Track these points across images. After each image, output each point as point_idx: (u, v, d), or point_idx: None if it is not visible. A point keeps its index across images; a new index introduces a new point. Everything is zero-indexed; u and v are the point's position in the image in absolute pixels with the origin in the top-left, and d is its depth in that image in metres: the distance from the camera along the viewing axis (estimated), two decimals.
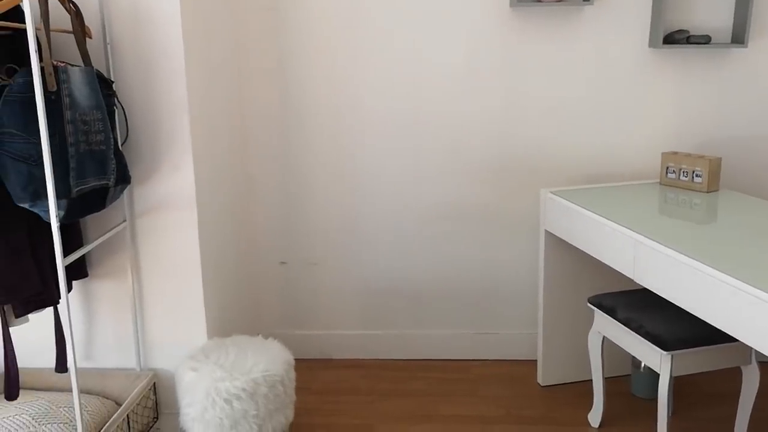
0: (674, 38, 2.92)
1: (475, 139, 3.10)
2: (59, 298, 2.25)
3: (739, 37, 2.92)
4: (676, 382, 3.01)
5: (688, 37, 2.91)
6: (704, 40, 2.90)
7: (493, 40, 3.01)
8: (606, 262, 2.48)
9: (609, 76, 3.03)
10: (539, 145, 3.10)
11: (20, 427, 2.29)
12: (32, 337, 2.57)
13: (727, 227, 2.35)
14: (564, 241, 2.87)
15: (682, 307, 2.09)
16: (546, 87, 3.05)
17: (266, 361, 2.37)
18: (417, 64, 3.05)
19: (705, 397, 2.92)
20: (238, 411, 2.27)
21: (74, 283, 2.52)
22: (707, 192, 2.80)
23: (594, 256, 2.58)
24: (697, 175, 2.82)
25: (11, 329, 2.51)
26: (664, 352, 2.26)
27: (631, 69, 3.02)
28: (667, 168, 2.92)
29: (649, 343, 2.31)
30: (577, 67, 3.02)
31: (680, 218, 2.48)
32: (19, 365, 2.59)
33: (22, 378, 2.59)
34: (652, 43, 2.96)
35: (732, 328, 1.89)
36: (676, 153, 2.91)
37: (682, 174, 2.87)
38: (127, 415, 2.40)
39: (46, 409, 2.39)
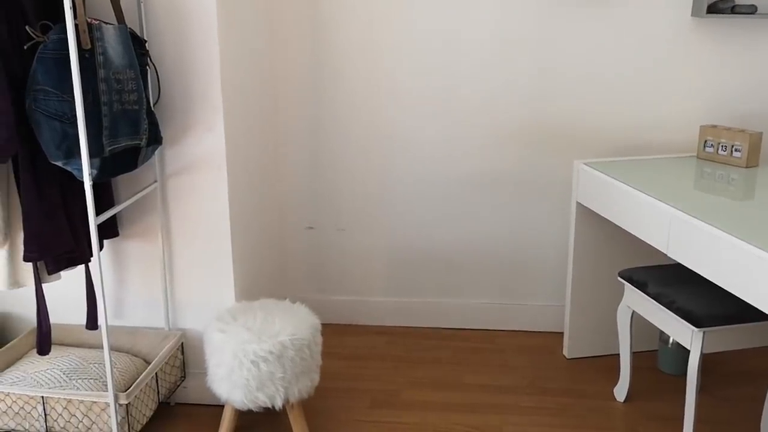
0: (718, 7, 2.82)
1: (508, 108, 3.05)
2: (91, 256, 2.27)
3: None
4: (704, 359, 2.98)
5: (733, 7, 2.82)
6: (750, 10, 2.81)
7: (528, 7, 2.94)
8: (639, 236, 2.44)
9: (649, 45, 2.95)
10: (574, 115, 3.04)
11: (52, 381, 2.34)
12: (65, 293, 2.61)
13: (766, 204, 2.29)
14: (595, 213, 2.82)
15: (717, 283, 2.04)
16: (582, 56, 2.98)
17: (293, 324, 2.38)
18: (451, 34, 2.99)
19: (734, 375, 2.89)
20: (265, 373, 2.29)
21: (105, 242, 2.54)
22: (746, 167, 2.73)
23: (626, 230, 2.53)
24: (736, 150, 2.75)
25: (44, 286, 2.56)
26: (696, 329, 2.23)
27: (672, 38, 2.93)
28: (706, 141, 2.85)
29: (681, 319, 2.28)
30: (615, 35, 2.95)
31: (716, 193, 2.43)
32: (51, 321, 2.65)
33: (54, 333, 2.64)
34: (695, 12, 2.87)
35: None
36: (715, 126, 2.83)
37: (720, 148, 2.80)
38: (156, 374, 2.44)
39: (77, 364, 2.44)
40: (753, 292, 1.90)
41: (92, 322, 2.42)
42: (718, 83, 2.97)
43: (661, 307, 2.38)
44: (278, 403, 2.33)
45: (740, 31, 2.91)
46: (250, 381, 2.29)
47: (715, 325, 2.22)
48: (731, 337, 2.27)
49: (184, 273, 2.58)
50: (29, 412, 2.29)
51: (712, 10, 2.84)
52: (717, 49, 2.93)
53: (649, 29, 2.93)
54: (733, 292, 1.99)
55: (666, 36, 2.93)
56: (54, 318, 2.65)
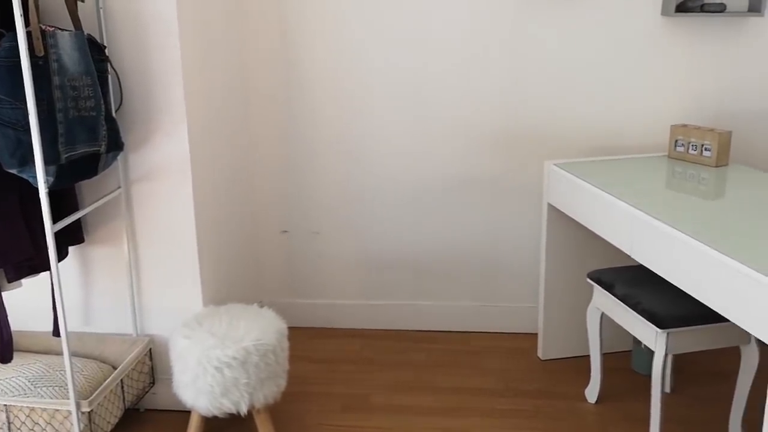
0: (688, 6, 2.82)
1: (480, 109, 3.04)
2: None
3: (755, 6, 2.81)
4: (677, 360, 2.97)
5: (703, 5, 2.81)
6: (719, 9, 2.80)
7: (498, 8, 2.93)
8: (604, 237, 2.43)
9: (619, 44, 2.94)
10: (546, 115, 3.03)
11: (16, 389, 2.33)
12: (32, 301, 2.60)
13: (732, 203, 2.28)
14: (566, 214, 2.81)
15: (678, 285, 2.04)
16: (553, 56, 2.97)
17: (258, 329, 2.37)
18: (422, 33, 2.99)
19: (706, 376, 2.88)
20: (229, 379, 2.28)
21: (71, 248, 2.53)
22: (716, 167, 2.72)
23: (592, 230, 2.53)
24: (706, 149, 2.74)
25: (4, 294, 2.55)
26: (659, 330, 2.22)
27: (642, 37, 2.92)
28: (676, 141, 2.84)
29: (645, 320, 2.27)
30: (585, 35, 2.94)
31: (685, 193, 2.42)
32: (20, 329, 2.64)
33: (23, 341, 2.64)
34: (664, 11, 2.86)
35: (726, 310, 1.84)
36: (685, 126, 2.82)
37: (690, 147, 2.79)
38: (122, 380, 2.43)
39: (42, 372, 2.43)
40: (712, 296, 1.90)
41: (58, 329, 2.41)
42: (690, 82, 2.96)
43: (627, 308, 2.37)
44: (243, 409, 2.32)
45: (710, 30, 2.90)
46: (215, 387, 2.29)
47: (678, 326, 2.21)
48: (695, 339, 2.26)
49: (151, 279, 2.57)
50: None
51: (681, 8, 2.83)
52: (688, 48, 2.92)
53: (619, 29, 2.92)
54: (692, 294, 1.98)
55: (636, 35, 2.92)
56: (22, 325, 2.64)
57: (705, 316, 2.23)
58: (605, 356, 3.01)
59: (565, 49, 2.96)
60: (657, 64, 2.95)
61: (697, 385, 2.81)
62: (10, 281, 2.19)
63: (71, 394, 2.17)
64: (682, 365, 2.95)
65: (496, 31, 2.95)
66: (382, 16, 2.98)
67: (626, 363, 2.98)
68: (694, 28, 2.90)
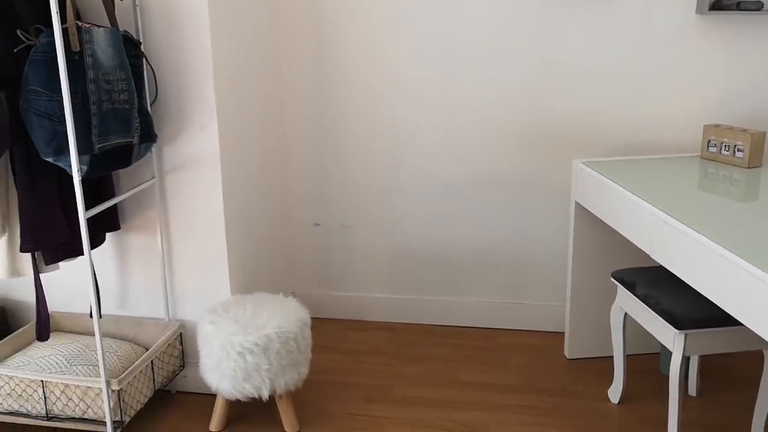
0: (723, 4, 2.77)
1: (510, 106, 3.05)
2: (90, 248, 2.38)
3: None
4: (704, 363, 2.92)
5: (739, 3, 2.75)
6: (756, 6, 2.74)
7: (529, 6, 2.93)
8: (626, 236, 2.41)
9: (652, 42, 2.91)
10: (577, 114, 3.02)
11: (53, 366, 2.46)
12: (75, 284, 2.74)
13: (763, 207, 2.23)
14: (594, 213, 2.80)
15: (695, 287, 2.01)
16: (585, 53, 2.95)
17: (280, 318, 2.45)
18: (451, 30, 3.01)
19: (737, 381, 2.83)
20: (251, 364, 2.36)
21: (108, 234, 2.66)
22: (748, 168, 2.66)
23: (615, 229, 2.51)
24: (738, 150, 2.69)
25: (50, 275, 2.69)
26: (677, 331, 2.20)
27: (676, 36, 2.88)
28: (709, 141, 2.80)
29: (663, 321, 2.25)
30: (618, 32, 2.91)
31: (714, 194, 2.38)
32: (63, 310, 2.79)
33: (63, 322, 2.78)
34: (699, 9, 2.82)
35: (747, 318, 1.79)
36: (718, 126, 2.77)
37: (723, 148, 2.74)
38: (152, 362, 2.54)
39: (79, 351, 2.56)
40: (729, 300, 1.86)
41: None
42: (724, 81, 2.90)
43: (647, 308, 2.36)
44: (264, 394, 2.40)
45: (745, 28, 2.84)
46: (237, 372, 2.37)
47: (696, 328, 2.19)
48: (715, 341, 2.23)
49: (182, 266, 2.67)
50: (31, 395, 2.42)
51: (716, 6, 2.78)
52: (722, 46, 2.87)
53: (652, 26, 2.89)
54: (709, 297, 1.95)
55: (670, 33, 2.88)
56: (64, 307, 2.79)
57: (725, 318, 2.20)
58: (633, 357, 2.99)
59: (596, 46, 2.94)
60: (690, 62, 2.90)
61: (725, 390, 2.76)
62: (47, 264, 2.32)
63: (102, 372, 2.28)
64: (711, 369, 2.90)
65: (526, 29, 2.96)
66: (413, 14, 3.02)
67: (654, 365, 2.95)
68: (729, 26, 2.85)
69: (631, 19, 2.89)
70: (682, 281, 2.41)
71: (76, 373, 2.43)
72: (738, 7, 2.75)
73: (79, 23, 2.10)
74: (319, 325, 3.36)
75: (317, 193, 3.31)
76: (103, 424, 2.38)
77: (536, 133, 3.07)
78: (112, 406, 2.34)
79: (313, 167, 3.28)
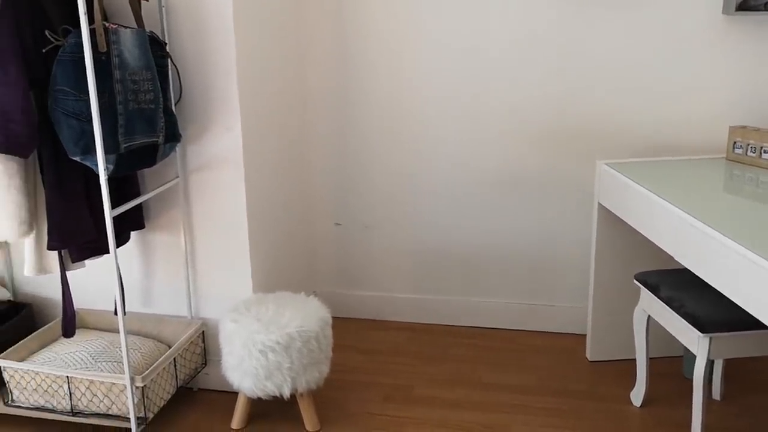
0: (750, 4, 2.73)
1: (534, 106, 3.04)
2: (115, 246, 2.41)
3: None
4: (728, 366, 2.89)
5: (766, 3, 2.72)
6: None
7: (553, 7, 2.92)
8: (650, 238, 2.40)
9: (677, 43, 2.88)
10: (601, 113, 3.00)
11: (78, 362, 2.50)
12: (101, 282, 2.77)
13: None
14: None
15: (721, 290, 1.99)
16: (609, 55, 2.93)
17: (302, 317, 2.46)
18: (474, 32, 3.01)
19: (759, 384, 2.79)
20: (273, 363, 2.38)
21: (133, 233, 2.68)
22: None
23: (639, 231, 2.49)
24: (765, 151, 2.65)
25: (77, 273, 2.73)
26: (701, 334, 2.18)
27: (702, 36, 2.86)
28: (735, 143, 2.77)
29: (688, 324, 2.23)
30: (643, 33, 2.89)
31: (740, 196, 2.36)
32: (89, 307, 2.82)
33: (89, 319, 2.82)
34: (725, 9, 2.79)
35: None
36: (744, 127, 2.74)
37: (749, 150, 2.71)
38: (174, 359, 2.57)
39: (104, 347, 2.59)
40: (754, 302, 1.85)
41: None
42: (750, 82, 2.87)
43: (671, 311, 2.34)
44: (286, 393, 2.42)
45: None
46: (259, 370, 2.39)
47: (720, 331, 2.17)
48: (740, 344, 2.21)
49: (205, 265, 2.70)
50: (56, 391, 2.46)
51: (743, 6, 2.75)
52: (748, 47, 2.83)
53: (678, 27, 2.86)
54: (735, 300, 1.93)
55: (696, 33, 2.86)
56: (91, 304, 2.82)
57: (750, 321, 2.16)
58: (657, 360, 2.96)
59: (621, 47, 2.92)
60: (716, 63, 2.87)
61: (750, 394, 2.73)
62: (73, 261, 2.35)
63: (126, 369, 2.31)
64: (735, 372, 2.87)
65: (550, 30, 2.95)
66: (437, 16, 3.02)
67: (677, 368, 2.93)
68: (756, 26, 2.81)
69: (656, 20, 2.87)
70: (706, 284, 2.37)
71: (101, 370, 2.47)
72: (765, 8, 2.72)
73: (107, 24, 2.13)
74: (340, 324, 3.36)
75: (338, 193, 3.33)
76: (127, 420, 2.40)
77: (559, 133, 3.05)
78: (136, 402, 2.36)
79: (335, 167, 3.30)
